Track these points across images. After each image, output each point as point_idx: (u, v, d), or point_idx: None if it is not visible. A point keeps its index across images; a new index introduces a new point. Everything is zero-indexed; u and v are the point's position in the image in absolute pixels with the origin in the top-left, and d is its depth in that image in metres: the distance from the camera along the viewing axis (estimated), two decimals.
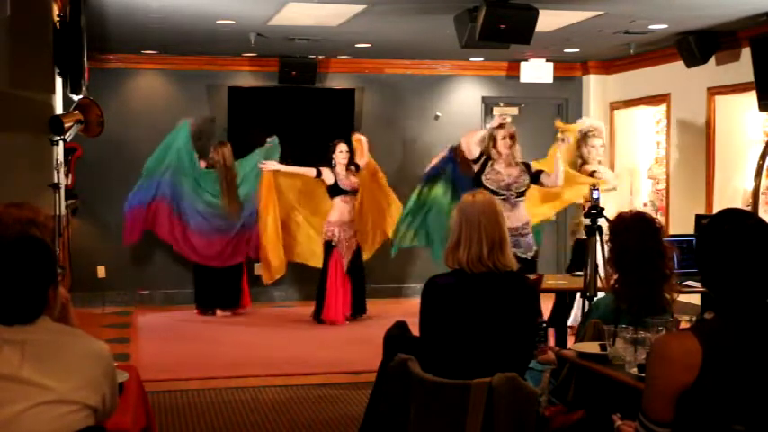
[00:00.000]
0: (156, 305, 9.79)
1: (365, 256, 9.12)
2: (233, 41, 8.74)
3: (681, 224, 8.67)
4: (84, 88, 6.36)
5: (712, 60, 8.52)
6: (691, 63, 8.57)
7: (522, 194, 7.19)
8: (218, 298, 9.31)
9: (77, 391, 2.42)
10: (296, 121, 10.00)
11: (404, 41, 8.93)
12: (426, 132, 10.41)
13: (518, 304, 3.60)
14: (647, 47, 9.08)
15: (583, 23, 7.78)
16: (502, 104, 10.65)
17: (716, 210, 6.20)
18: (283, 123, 9.86)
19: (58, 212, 5.85)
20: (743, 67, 8.06)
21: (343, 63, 10.22)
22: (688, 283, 5.58)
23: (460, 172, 8.05)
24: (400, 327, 4.48)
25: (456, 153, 8.15)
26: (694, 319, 3.15)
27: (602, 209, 5.59)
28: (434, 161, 8.38)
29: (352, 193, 8.92)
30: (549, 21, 7.33)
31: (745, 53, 7.98)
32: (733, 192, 8.66)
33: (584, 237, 5.90)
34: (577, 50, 9.64)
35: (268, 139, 9.29)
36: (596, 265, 5.45)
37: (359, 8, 7.11)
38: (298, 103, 10.06)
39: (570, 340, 6.07)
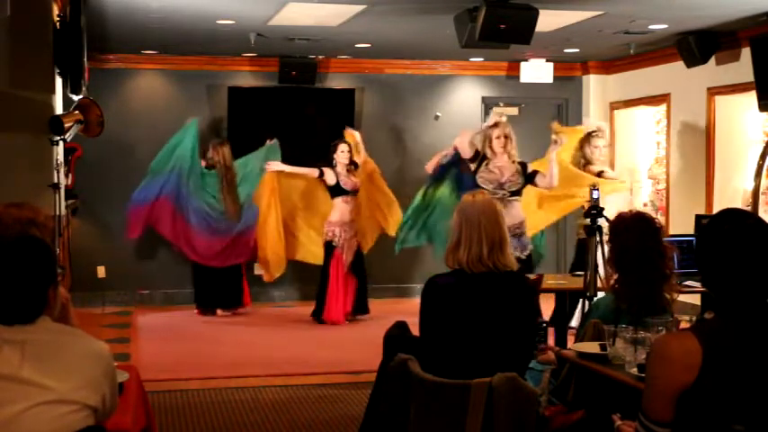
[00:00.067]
0: (156, 305, 9.79)
1: (363, 249, 9.12)
2: (233, 41, 8.74)
3: (681, 224, 8.67)
4: (84, 88, 6.36)
5: (712, 60, 8.52)
6: (691, 63, 8.57)
7: (516, 194, 7.20)
8: (218, 298, 9.31)
9: (77, 391, 2.42)
10: (296, 121, 10.01)
11: (404, 41, 8.93)
12: (426, 132, 10.40)
13: (518, 304, 3.60)
14: (647, 47, 9.08)
15: (583, 23, 7.78)
16: (502, 104, 10.63)
17: (716, 210, 6.20)
18: (283, 123, 9.87)
19: (58, 212, 5.85)
20: (743, 67, 8.06)
21: (343, 63, 10.22)
22: (688, 283, 5.59)
23: (464, 172, 8.06)
24: (400, 327, 4.49)
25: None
26: (694, 319, 3.15)
27: (602, 209, 5.60)
28: (436, 159, 8.35)
29: (353, 193, 8.92)
30: (549, 21, 7.33)
31: (745, 53, 7.98)
32: (733, 192, 8.66)
33: (584, 237, 5.91)
34: (577, 50, 9.64)
35: (268, 141, 9.29)
36: (596, 265, 5.45)
37: (359, 8, 7.11)
38: (298, 103, 10.06)
39: (570, 340, 6.07)
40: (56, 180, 5.89)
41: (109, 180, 9.54)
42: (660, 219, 8.54)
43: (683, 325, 3.53)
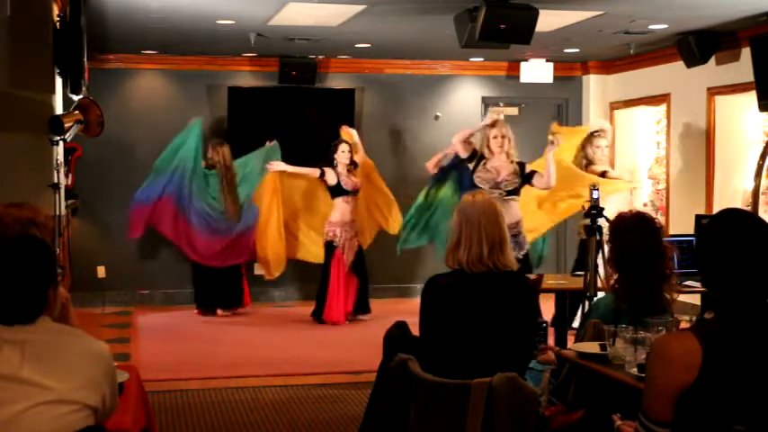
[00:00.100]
0: (156, 305, 9.79)
1: (363, 245, 9.12)
2: (233, 41, 8.74)
3: (681, 224, 8.67)
4: (84, 88, 6.36)
5: (712, 60, 8.52)
6: (691, 63, 8.57)
7: (512, 193, 7.20)
8: (218, 298, 9.31)
9: (77, 391, 2.42)
10: (296, 121, 10.00)
11: (404, 41, 8.93)
12: (426, 132, 10.40)
13: (518, 304, 3.60)
14: (647, 47, 9.08)
15: (583, 23, 7.78)
16: (502, 104, 10.65)
17: (716, 210, 6.20)
18: (283, 123, 9.87)
19: (58, 212, 5.85)
20: (743, 67, 8.06)
21: (343, 63, 10.22)
22: (688, 283, 5.59)
23: (465, 173, 8.06)
24: (400, 327, 4.49)
25: None
26: (694, 319, 3.15)
27: (602, 209, 5.60)
28: (437, 158, 8.32)
29: (354, 193, 8.92)
30: (549, 21, 7.33)
31: (745, 53, 7.98)
32: (733, 192, 8.66)
33: (584, 237, 5.91)
34: (577, 50, 9.64)
35: (268, 143, 9.29)
36: (597, 265, 5.45)
37: (359, 8, 7.11)
38: (298, 103, 10.06)
39: (570, 340, 6.07)
40: (56, 180, 5.89)
41: (109, 180, 9.55)
42: (660, 219, 8.54)
43: (683, 325, 3.53)
